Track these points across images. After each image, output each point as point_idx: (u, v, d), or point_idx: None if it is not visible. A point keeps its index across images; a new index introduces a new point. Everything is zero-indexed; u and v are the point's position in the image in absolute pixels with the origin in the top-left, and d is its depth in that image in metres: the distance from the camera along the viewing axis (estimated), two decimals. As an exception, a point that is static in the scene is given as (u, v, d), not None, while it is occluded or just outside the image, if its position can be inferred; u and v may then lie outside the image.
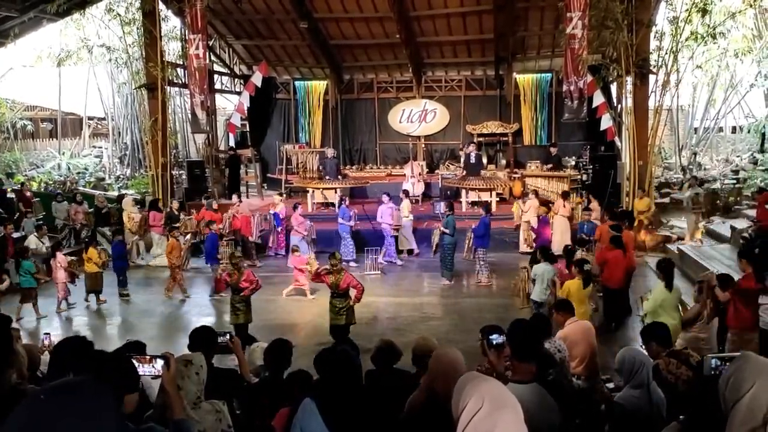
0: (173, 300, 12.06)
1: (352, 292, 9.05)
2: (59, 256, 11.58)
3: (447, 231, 12.46)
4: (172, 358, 2.94)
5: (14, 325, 10.55)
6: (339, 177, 17.84)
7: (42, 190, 18.76)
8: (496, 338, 4.37)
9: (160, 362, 2.88)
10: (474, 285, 12.61)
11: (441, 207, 14.62)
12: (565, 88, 15.61)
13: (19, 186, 16.79)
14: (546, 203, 14.77)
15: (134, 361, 2.91)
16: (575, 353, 5.95)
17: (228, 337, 4.48)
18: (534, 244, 13.06)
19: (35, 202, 16.50)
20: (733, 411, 2.33)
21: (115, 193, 20.12)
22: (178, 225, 13.96)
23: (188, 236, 13.89)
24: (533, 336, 3.49)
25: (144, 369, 2.90)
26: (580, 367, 6.01)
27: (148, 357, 2.92)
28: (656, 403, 4.00)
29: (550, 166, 17.85)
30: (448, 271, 12.67)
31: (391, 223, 14.24)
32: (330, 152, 18.35)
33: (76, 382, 1.57)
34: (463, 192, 16.82)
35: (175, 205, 15.24)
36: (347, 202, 14.66)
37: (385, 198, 14.59)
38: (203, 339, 4.35)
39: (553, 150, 18.34)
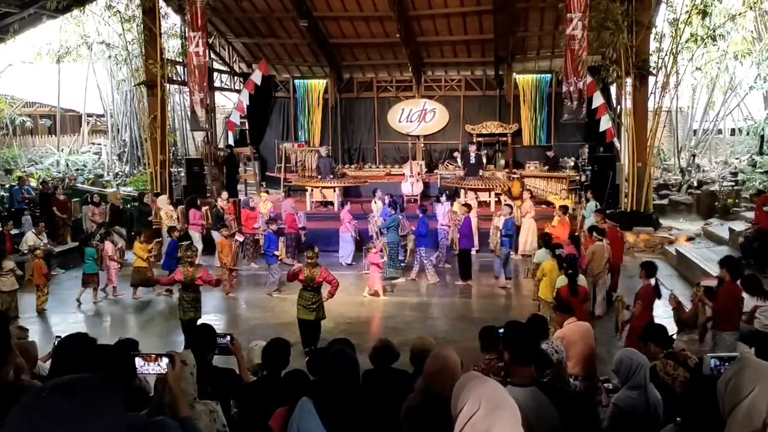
0: (229, 299, 11.91)
1: (325, 288, 8.92)
2: (107, 244, 12.04)
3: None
4: (177, 356, 2.95)
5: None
6: (331, 175, 17.80)
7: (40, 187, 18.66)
8: None
9: (165, 360, 2.89)
10: (466, 285, 12.62)
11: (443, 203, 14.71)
12: (564, 88, 15.62)
13: (52, 189, 16.20)
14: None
15: (140, 359, 2.93)
16: (573, 354, 5.95)
17: (228, 339, 4.47)
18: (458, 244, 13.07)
19: (73, 204, 16.07)
20: (732, 414, 2.33)
21: (113, 190, 20.10)
22: (225, 224, 13.72)
23: (237, 236, 13.50)
24: (531, 339, 3.48)
25: (149, 367, 2.92)
26: (578, 367, 6.01)
27: (153, 355, 2.94)
28: (653, 404, 4.01)
29: (546, 167, 17.91)
30: (393, 269, 12.67)
31: (448, 224, 13.87)
32: (323, 151, 18.38)
33: (79, 379, 1.56)
34: (462, 192, 16.83)
35: (221, 203, 14.69)
36: (387, 202, 14.42)
37: (379, 193, 14.62)
38: (204, 337, 4.34)
39: (550, 153, 18.48)
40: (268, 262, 12.06)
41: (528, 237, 13.94)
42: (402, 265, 13.01)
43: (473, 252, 13.99)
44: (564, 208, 12.86)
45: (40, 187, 16.60)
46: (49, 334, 9.69)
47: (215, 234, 13.68)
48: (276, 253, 12.30)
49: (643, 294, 7.54)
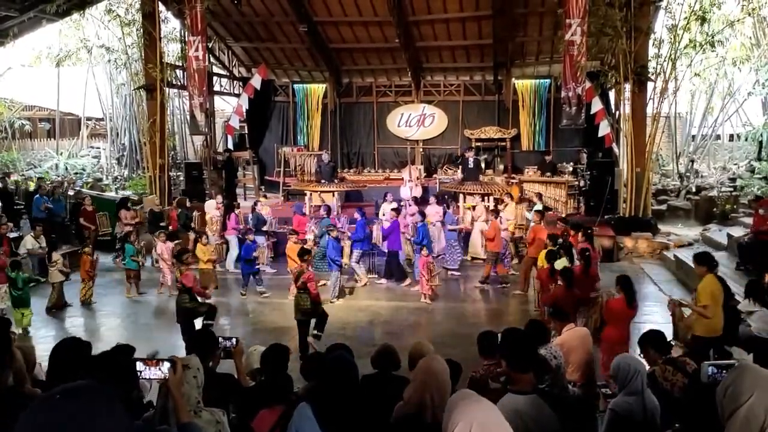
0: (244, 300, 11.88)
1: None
2: (160, 245, 12.41)
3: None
4: (178, 361, 2.94)
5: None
6: (335, 180, 17.87)
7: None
8: None
9: (166, 365, 2.88)
10: (469, 289, 12.63)
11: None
12: (563, 94, 15.62)
13: (80, 200, 15.61)
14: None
15: (141, 364, 2.92)
16: (571, 360, 5.94)
17: (234, 341, 4.46)
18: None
19: (101, 217, 15.60)
20: (731, 420, 2.34)
21: (113, 194, 20.09)
22: (265, 228, 13.74)
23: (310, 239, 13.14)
24: (529, 346, 3.48)
25: (150, 372, 2.91)
26: (577, 374, 6.01)
27: (154, 360, 2.93)
28: (650, 410, 4.01)
29: (543, 173, 17.99)
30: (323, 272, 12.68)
31: (511, 231, 13.63)
32: (325, 156, 18.41)
33: (89, 386, 1.59)
34: (461, 196, 16.84)
35: (260, 207, 14.46)
36: (453, 209, 14.35)
37: (389, 197, 14.72)
38: (203, 342, 4.34)
39: (548, 158, 18.59)
40: (330, 269, 11.80)
41: (479, 241, 14.01)
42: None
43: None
44: (495, 212, 13.14)
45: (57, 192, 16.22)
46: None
47: (260, 238, 13.57)
48: (341, 260, 12.04)
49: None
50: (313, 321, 9.13)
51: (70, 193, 17.71)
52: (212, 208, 14.87)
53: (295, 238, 12.08)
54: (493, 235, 12.35)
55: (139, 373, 2.92)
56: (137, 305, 11.95)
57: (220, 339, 4.50)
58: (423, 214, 13.14)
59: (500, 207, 13.94)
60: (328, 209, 13.95)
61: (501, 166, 20.35)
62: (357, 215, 12.98)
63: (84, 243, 13.41)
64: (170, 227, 14.58)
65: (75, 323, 10.95)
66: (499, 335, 4.75)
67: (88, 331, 10.48)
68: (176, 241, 13.09)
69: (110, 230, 15.54)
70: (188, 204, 15.20)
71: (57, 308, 11.35)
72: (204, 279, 11.81)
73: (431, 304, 11.46)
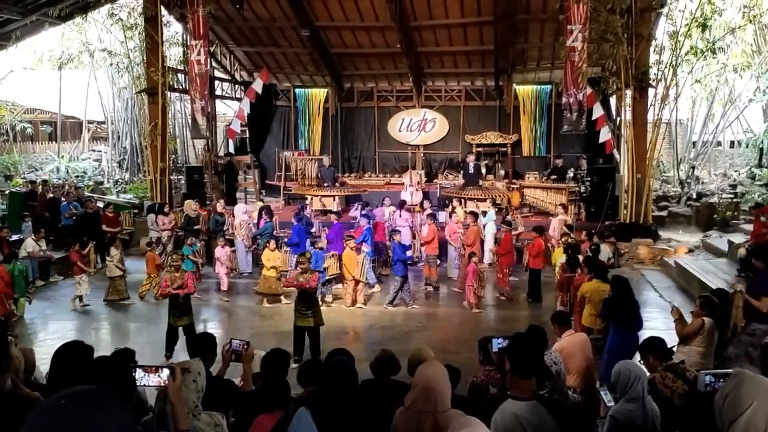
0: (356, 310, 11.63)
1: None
2: (219, 249, 12.59)
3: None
4: (178, 369, 2.94)
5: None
6: (336, 185, 17.91)
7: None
8: (501, 342, 4.47)
9: (166, 372, 2.88)
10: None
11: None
12: (564, 100, 15.64)
13: (103, 208, 15.39)
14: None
15: (140, 371, 2.91)
16: (571, 366, 5.94)
17: (245, 344, 4.46)
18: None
19: (123, 215, 15.53)
20: (731, 429, 2.34)
21: (114, 197, 20.11)
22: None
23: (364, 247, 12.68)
24: (535, 352, 3.47)
25: (149, 379, 2.90)
26: (577, 380, 6.00)
27: (154, 367, 2.92)
28: (651, 417, 4.00)
29: (554, 177, 17.91)
30: None
31: (556, 242, 13.38)
32: (326, 160, 18.43)
33: (94, 390, 1.60)
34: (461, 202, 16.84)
35: (307, 210, 14.35)
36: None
37: (387, 201, 14.78)
38: (204, 346, 4.33)
39: (559, 162, 18.51)
40: (397, 274, 11.56)
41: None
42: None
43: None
44: (432, 216, 13.62)
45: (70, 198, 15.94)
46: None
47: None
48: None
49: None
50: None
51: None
52: (241, 212, 14.75)
53: (353, 244, 11.68)
54: (430, 238, 12.64)
55: (138, 380, 2.92)
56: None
57: (232, 340, 4.51)
58: (368, 217, 13.36)
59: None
60: (270, 212, 13.87)
61: (502, 172, 20.35)
62: (293, 220, 13.06)
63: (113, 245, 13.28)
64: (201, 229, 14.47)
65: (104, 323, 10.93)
66: (493, 340, 4.76)
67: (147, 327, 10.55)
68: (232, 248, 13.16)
69: (133, 228, 15.84)
70: (220, 209, 14.96)
71: (119, 301, 11.89)
72: (264, 285, 11.70)
73: (479, 311, 11.37)
